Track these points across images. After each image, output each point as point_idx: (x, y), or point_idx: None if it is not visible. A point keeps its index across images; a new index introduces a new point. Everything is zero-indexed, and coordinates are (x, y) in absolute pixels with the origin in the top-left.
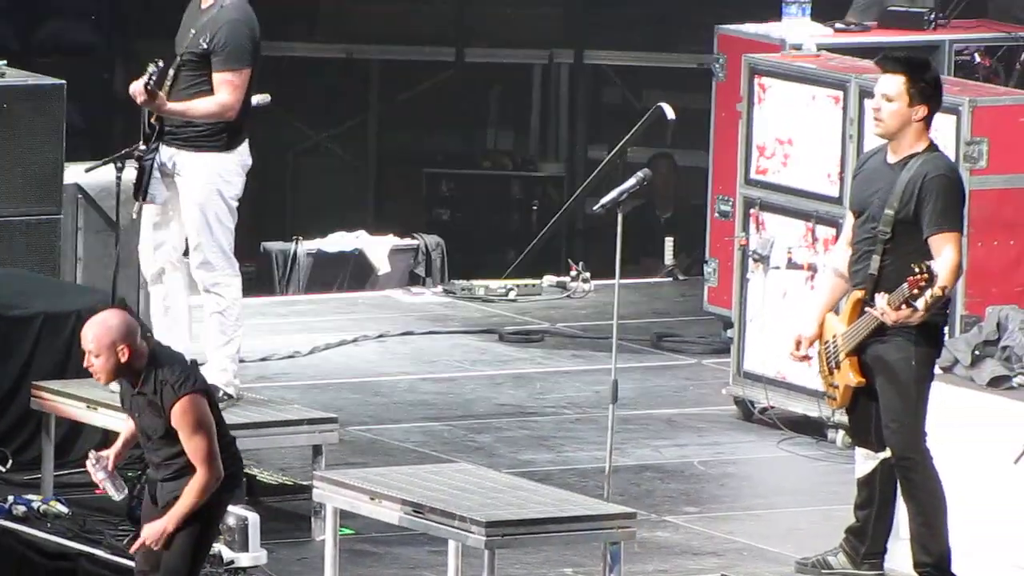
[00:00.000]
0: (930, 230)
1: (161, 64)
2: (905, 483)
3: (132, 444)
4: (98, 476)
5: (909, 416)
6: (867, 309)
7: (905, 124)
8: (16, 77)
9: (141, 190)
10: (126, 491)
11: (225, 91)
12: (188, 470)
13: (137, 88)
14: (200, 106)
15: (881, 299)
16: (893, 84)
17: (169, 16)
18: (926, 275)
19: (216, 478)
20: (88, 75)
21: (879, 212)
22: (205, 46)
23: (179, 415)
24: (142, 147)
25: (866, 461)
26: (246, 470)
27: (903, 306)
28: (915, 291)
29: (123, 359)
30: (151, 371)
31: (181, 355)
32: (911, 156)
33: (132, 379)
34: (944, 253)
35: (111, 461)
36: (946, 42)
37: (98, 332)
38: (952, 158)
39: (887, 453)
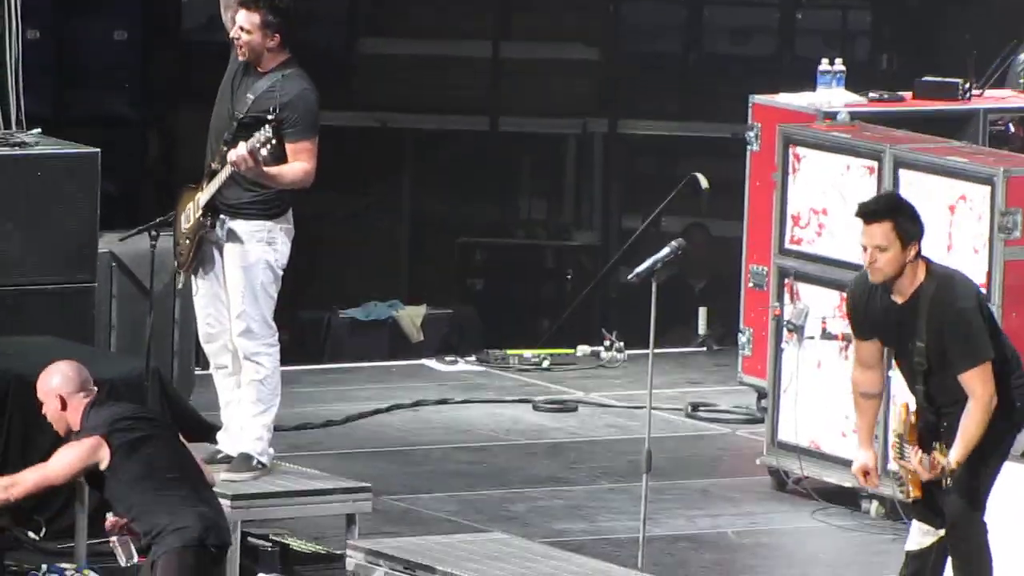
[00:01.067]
0: (958, 370)
1: (271, 136)
2: (955, 552)
3: None
4: (114, 538)
5: (973, 486)
6: (910, 459)
7: (902, 266)
8: (50, 146)
9: (189, 262)
10: (135, 559)
11: (305, 159)
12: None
13: (241, 155)
14: (290, 174)
15: (915, 457)
16: (882, 233)
17: (202, 85)
18: (940, 467)
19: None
20: (122, 144)
21: (911, 347)
22: (275, 112)
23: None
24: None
25: (923, 536)
26: (280, 538)
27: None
28: (933, 475)
29: (60, 407)
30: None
31: (114, 408)
32: (917, 290)
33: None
34: (974, 391)
35: (124, 526)
36: (980, 112)
37: (40, 382)
38: (986, 230)
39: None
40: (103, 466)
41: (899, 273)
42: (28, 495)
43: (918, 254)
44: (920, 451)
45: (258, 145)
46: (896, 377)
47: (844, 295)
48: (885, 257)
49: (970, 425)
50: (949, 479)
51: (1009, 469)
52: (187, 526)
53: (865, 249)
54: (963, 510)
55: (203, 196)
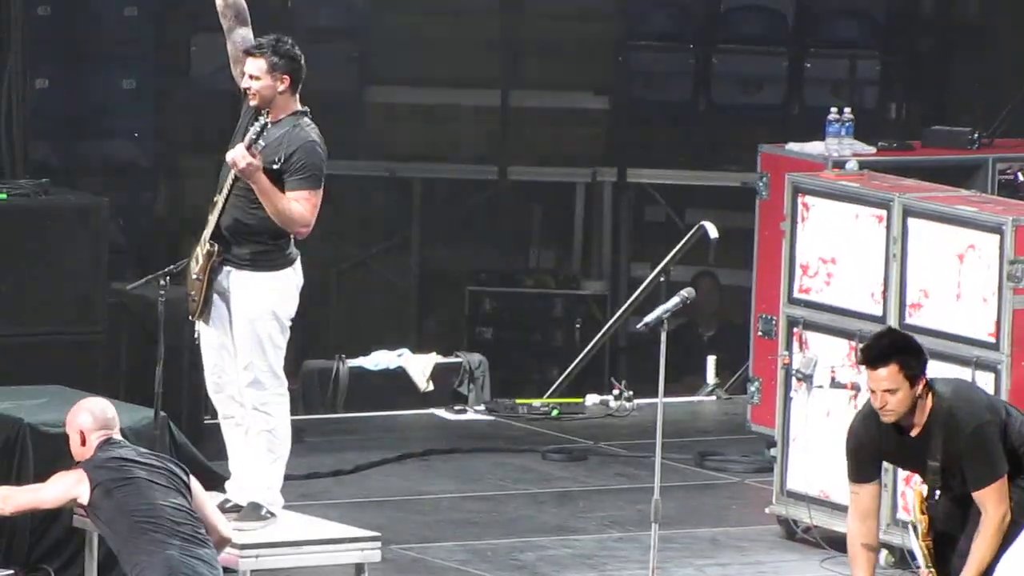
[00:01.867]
0: (973, 487)
1: (266, 123)
2: None
3: None
4: None
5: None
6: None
7: (913, 404)
8: (59, 195)
9: (201, 305)
10: None
11: (303, 208)
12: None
13: (239, 153)
14: (285, 202)
15: None
16: (889, 377)
17: (213, 133)
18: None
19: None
20: (131, 193)
21: (927, 467)
22: (279, 163)
23: None
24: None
25: None
26: None
27: None
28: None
29: (80, 441)
30: None
31: (122, 450)
32: (929, 418)
33: None
34: (987, 511)
35: None
36: (989, 160)
37: (69, 414)
38: (995, 278)
39: None
40: (82, 500)
41: (909, 411)
42: (19, 512)
43: (926, 385)
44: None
45: (253, 136)
46: None
47: (853, 344)
48: (896, 399)
49: (982, 546)
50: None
51: None
52: (151, 566)
53: (874, 392)
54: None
55: (207, 230)
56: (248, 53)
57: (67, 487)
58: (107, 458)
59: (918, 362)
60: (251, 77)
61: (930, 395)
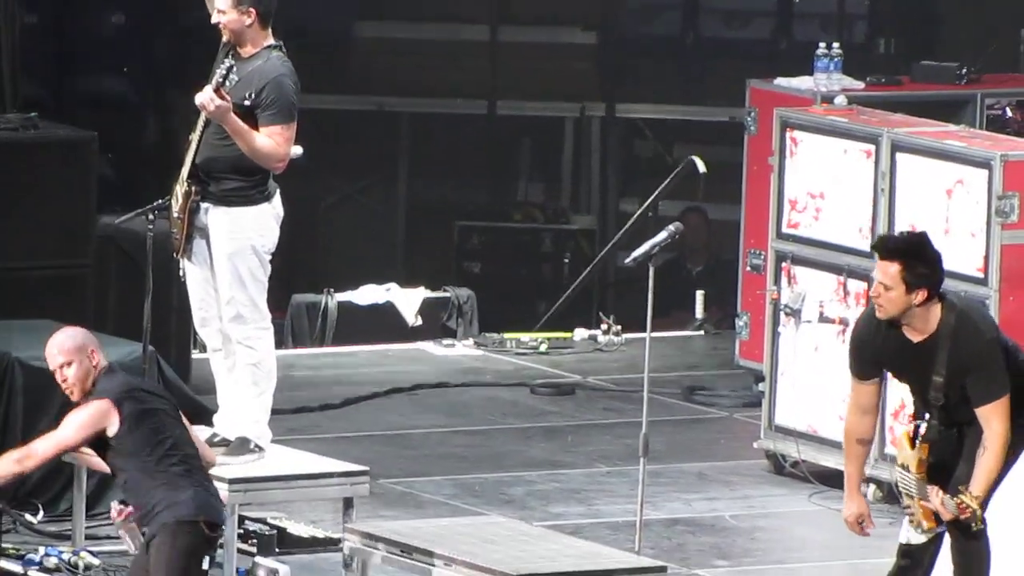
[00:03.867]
0: (978, 402)
1: (232, 64)
2: (955, 544)
3: None
4: (122, 527)
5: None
6: (925, 495)
7: (907, 308)
8: (48, 129)
9: (184, 242)
10: (142, 541)
11: (277, 143)
12: (127, 487)
13: (207, 96)
14: (259, 140)
15: (936, 498)
16: (888, 273)
17: (202, 67)
18: (971, 511)
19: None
20: (120, 127)
21: (927, 381)
22: (250, 99)
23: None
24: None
25: (920, 533)
26: (277, 522)
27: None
28: (962, 517)
29: (93, 363)
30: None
31: (126, 377)
32: (937, 329)
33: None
34: (992, 426)
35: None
36: (977, 96)
37: (62, 340)
38: (984, 213)
39: (942, 528)
40: (110, 432)
41: (901, 313)
42: (43, 464)
43: (929, 298)
44: (940, 491)
45: (220, 79)
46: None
47: (841, 279)
48: (887, 296)
49: (989, 461)
50: (979, 523)
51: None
52: (181, 502)
53: (874, 284)
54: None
55: (184, 169)
56: None
57: (94, 421)
58: (126, 386)
59: (925, 273)
60: (219, 11)
61: (940, 307)
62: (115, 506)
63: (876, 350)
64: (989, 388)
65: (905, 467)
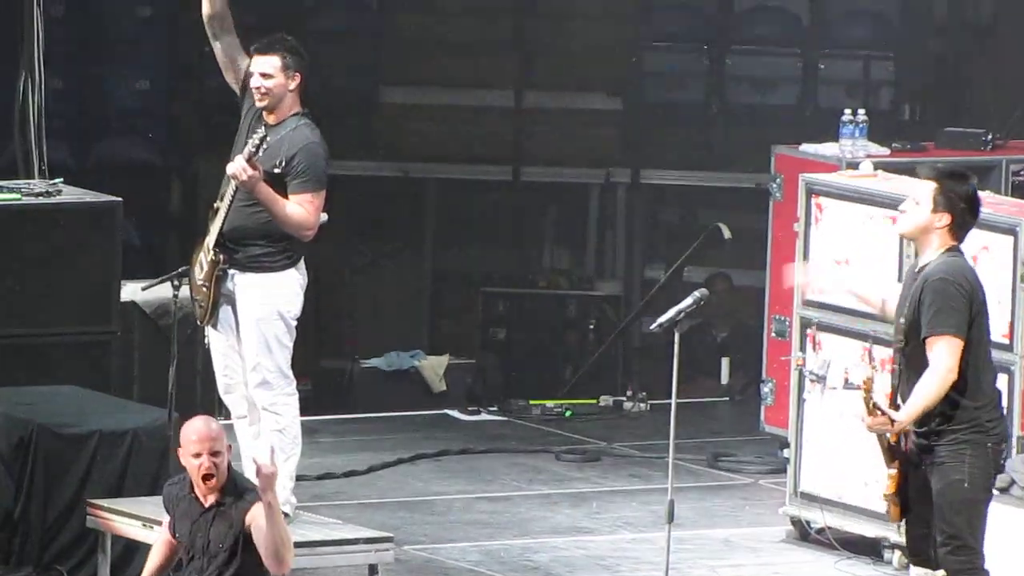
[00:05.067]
0: (924, 333)
1: (266, 135)
2: None
3: None
4: None
5: (964, 536)
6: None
7: (927, 230)
8: (72, 195)
9: (210, 309)
10: None
11: (306, 211)
12: None
13: (239, 166)
14: (289, 208)
15: (860, 407)
16: (923, 190)
17: (226, 133)
18: (868, 380)
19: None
20: (144, 193)
21: (898, 320)
22: (281, 167)
23: (257, 512)
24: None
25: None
26: None
27: (877, 411)
28: (863, 395)
29: (229, 456)
30: (230, 481)
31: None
32: (927, 264)
33: (219, 490)
34: (932, 359)
35: None
36: (1003, 162)
37: (218, 430)
38: (1008, 279)
39: (943, 573)
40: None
41: (918, 232)
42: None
43: (950, 229)
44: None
45: (253, 149)
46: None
47: (867, 345)
48: (913, 210)
49: (922, 392)
50: (889, 432)
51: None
52: None
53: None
54: (961, 563)
55: (210, 238)
56: (259, 51)
57: None
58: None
59: (956, 197)
60: (263, 75)
61: (949, 247)
62: None
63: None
64: (934, 319)
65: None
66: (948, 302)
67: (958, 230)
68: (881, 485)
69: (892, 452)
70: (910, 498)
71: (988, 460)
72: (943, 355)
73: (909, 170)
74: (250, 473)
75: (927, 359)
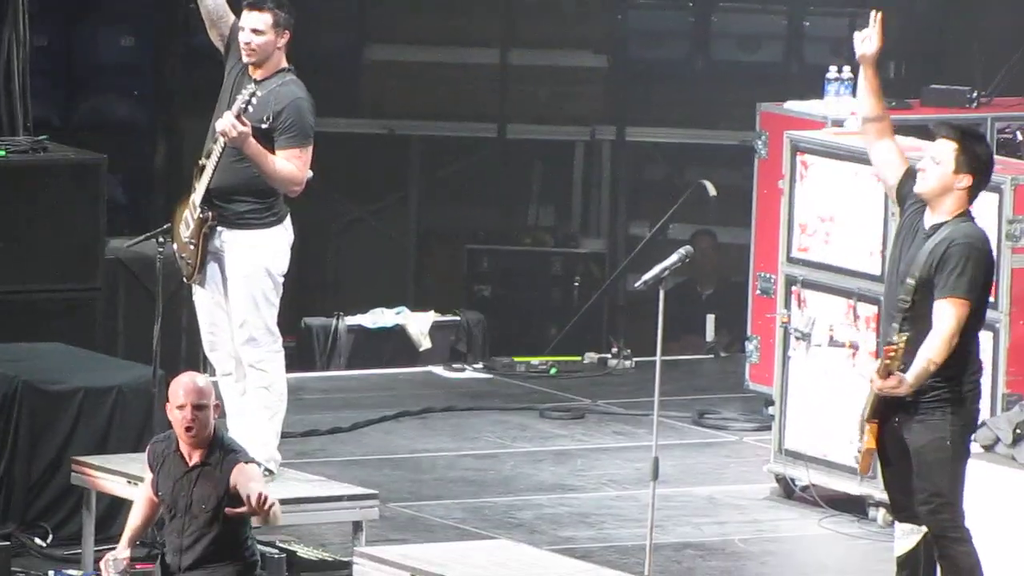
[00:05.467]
0: (940, 294)
1: (255, 91)
2: (943, 562)
3: (139, 538)
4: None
5: (946, 495)
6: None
7: (947, 190)
8: (57, 152)
9: (199, 266)
10: None
11: (295, 166)
12: (214, 557)
13: (228, 122)
14: (278, 163)
15: (871, 368)
16: (943, 149)
17: (211, 91)
18: (895, 347)
19: None
20: (130, 150)
21: (903, 277)
22: (268, 121)
23: (241, 472)
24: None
25: (907, 537)
26: (286, 545)
27: (890, 375)
28: (886, 360)
29: (216, 416)
30: (216, 441)
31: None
32: (941, 224)
33: (203, 447)
34: (942, 321)
35: (125, 563)
36: (988, 119)
37: (205, 386)
38: (994, 236)
39: (926, 530)
40: None
41: (940, 193)
42: None
43: (969, 193)
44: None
45: (243, 105)
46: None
47: (851, 303)
48: (935, 170)
49: (928, 353)
50: (897, 367)
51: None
52: None
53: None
54: (942, 521)
55: (197, 195)
56: (251, 7)
57: None
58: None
59: (978, 160)
60: (254, 31)
61: (965, 211)
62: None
63: (912, 201)
64: (957, 282)
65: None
66: (973, 269)
67: (975, 192)
68: (859, 440)
69: (876, 407)
70: (888, 454)
71: (969, 418)
72: (951, 319)
73: (895, 127)
74: (236, 432)
75: (931, 320)
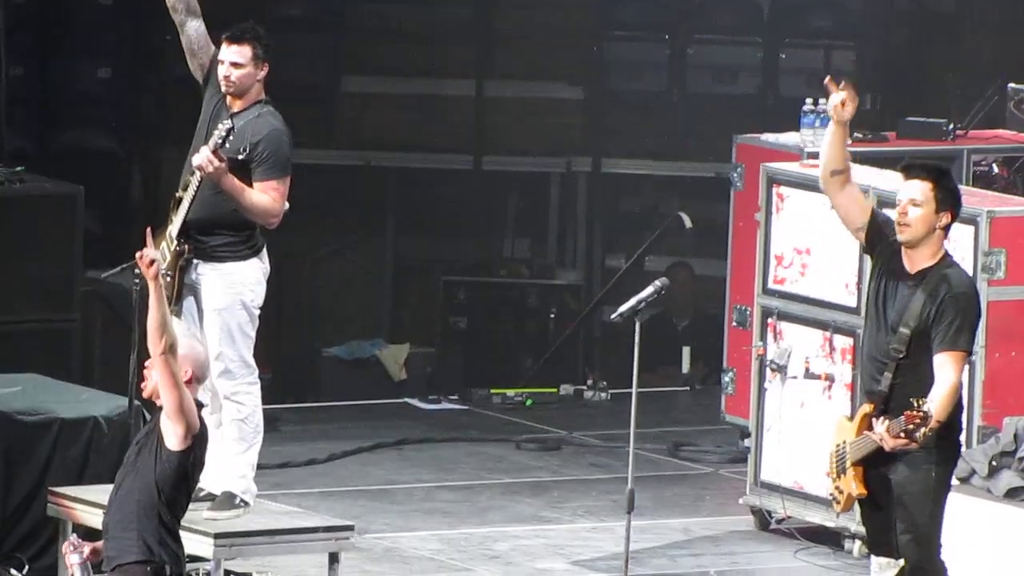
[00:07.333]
0: (939, 347)
1: (232, 126)
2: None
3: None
4: (71, 560)
5: (925, 527)
6: (866, 433)
7: (930, 230)
8: (34, 183)
9: (175, 298)
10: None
11: (272, 198)
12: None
13: (205, 157)
14: (255, 196)
15: (881, 425)
16: (920, 189)
17: (187, 121)
18: (921, 414)
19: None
20: (106, 181)
21: (895, 326)
22: (244, 153)
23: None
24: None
25: (883, 571)
26: None
27: (901, 434)
28: (910, 426)
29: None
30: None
31: None
32: (928, 269)
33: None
34: (944, 374)
35: (88, 550)
36: (964, 152)
37: (202, 354)
38: (970, 269)
39: (903, 562)
40: (193, 430)
41: (925, 235)
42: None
43: (947, 229)
44: (886, 420)
45: (219, 140)
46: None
47: (827, 335)
48: (916, 214)
49: (938, 400)
50: (928, 430)
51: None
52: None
53: (900, 203)
54: (919, 553)
55: (173, 228)
56: (231, 40)
57: (191, 405)
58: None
59: (952, 195)
60: (233, 64)
61: (941, 251)
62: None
63: (883, 247)
64: (956, 336)
65: (840, 445)
66: (970, 320)
67: (949, 229)
68: (835, 477)
69: (867, 456)
70: (872, 490)
71: (954, 451)
72: (955, 371)
73: (871, 160)
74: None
75: (929, 369)
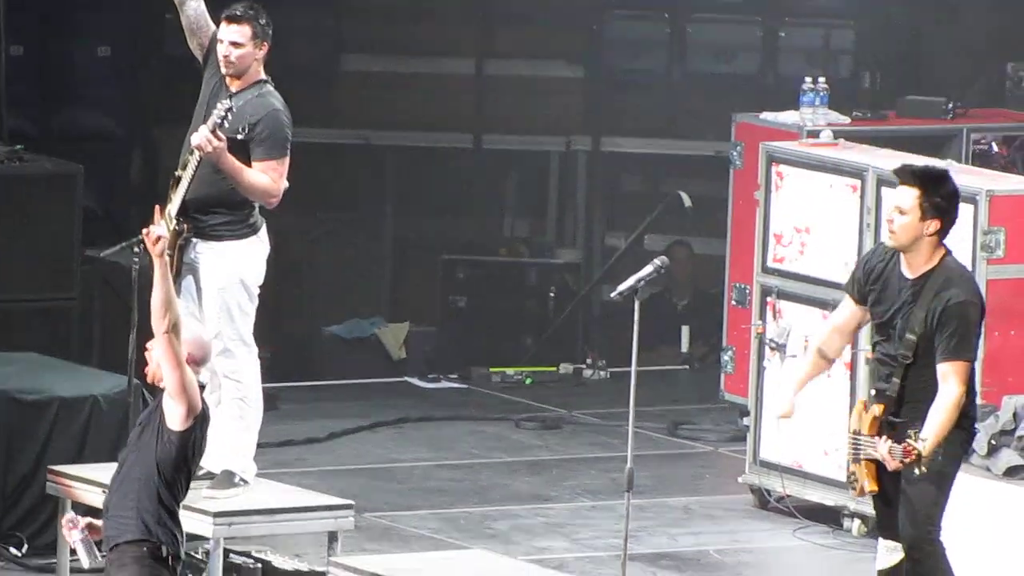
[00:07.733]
0: (941, 357)
1: (231, 106)
2: (915, 573)
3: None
4: (73, 536)
5: (926, 508)
6: (876, 440)
7: (917, 238)
8: (33, 162)
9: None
10: (98, 559)
11: (270, 177)
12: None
13: (203, 136)
14: (254, 176)
15: (883, 445)
16: (907, 197)
17: (187, 101)
18: (916, 452)
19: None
20: (105, 161)
21: (901, 334)
22: (244, 132)
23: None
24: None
25: (890, 553)
26: (262, 555)
27: (901, 463)
28: (907, 460)
29: (188, 364)
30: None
31: None
32: (928, 273)
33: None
34: (948, 387)
35: (83, 524)
36: (964, 131)
37: (191, 336)
38: (969, 248)
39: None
40: (179, 422)
41: (911, 242)
42: (169, 343)
43: (939, 233)
44: (889, 440)
45: (218, 120)
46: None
47: (826, 313)
48: (901, 222)
49: (940, 415)
50: (923, 466)
51: (998, 488)
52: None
53: (887, 211)
54: (919, 533)
55: (172, 206)
56: (230, 19)
57: (194, 385)
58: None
59: (942, 202)
60: (232, 44)
61: (941, 253)
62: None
63: (870, 269)
64: (959, 346)
65: (857, 432)
66: (971, 328)
67: (944, 232)
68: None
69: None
70: (883, 484)
71: (966, 438)
72: (959, 381)
73: (870, 138)
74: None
75: (933, 375)
